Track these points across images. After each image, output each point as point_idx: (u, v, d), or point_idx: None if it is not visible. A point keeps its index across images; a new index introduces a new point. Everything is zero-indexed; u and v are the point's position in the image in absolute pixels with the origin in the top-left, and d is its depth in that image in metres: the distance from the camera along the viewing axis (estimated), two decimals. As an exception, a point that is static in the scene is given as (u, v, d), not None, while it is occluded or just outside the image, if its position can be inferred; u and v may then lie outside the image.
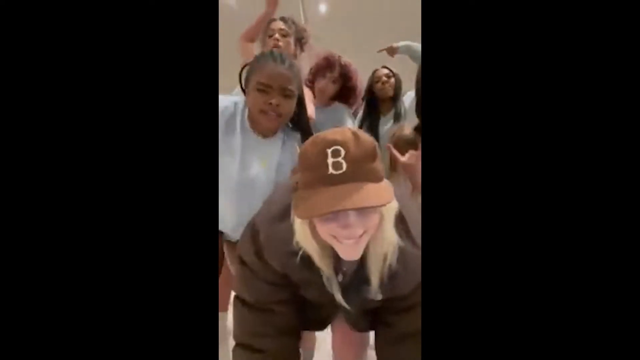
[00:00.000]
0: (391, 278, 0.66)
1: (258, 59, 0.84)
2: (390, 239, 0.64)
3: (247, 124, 0.83)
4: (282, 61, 0.78)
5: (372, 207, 0.58)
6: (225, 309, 1.23)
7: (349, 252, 0.61)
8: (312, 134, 0.75)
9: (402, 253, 0.66)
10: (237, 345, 0.75)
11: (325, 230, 0.60)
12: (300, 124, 0.83)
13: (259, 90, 0.77)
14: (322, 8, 3.71)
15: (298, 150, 0.74)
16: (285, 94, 0.77)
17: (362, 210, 0.58)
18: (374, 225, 0.61)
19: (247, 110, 0.83)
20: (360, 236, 0.60)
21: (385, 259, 0.64)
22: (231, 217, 0.82)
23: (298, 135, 0.83)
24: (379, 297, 0.67)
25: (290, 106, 0.80)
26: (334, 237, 0.60)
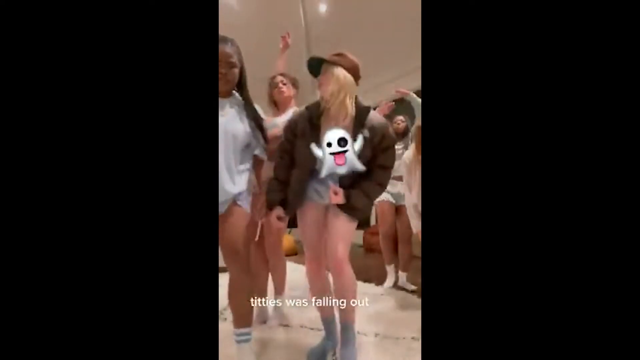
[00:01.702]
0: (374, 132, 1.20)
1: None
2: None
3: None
4: (226, 42, 1.09)
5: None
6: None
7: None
8: (250, 98, 1.20)
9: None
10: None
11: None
12: (242, 90, 1.19)
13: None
14: (322, 8, 3.71)
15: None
16: (229, 64, 1.09)
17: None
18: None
19: None
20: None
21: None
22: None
23: (239, 97, 1.20)
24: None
25: (234, 73, 1.12)
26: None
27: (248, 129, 1.15)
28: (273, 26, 3.87)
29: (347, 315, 1.15)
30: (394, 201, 2.19)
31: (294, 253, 3.72)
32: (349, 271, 1.14)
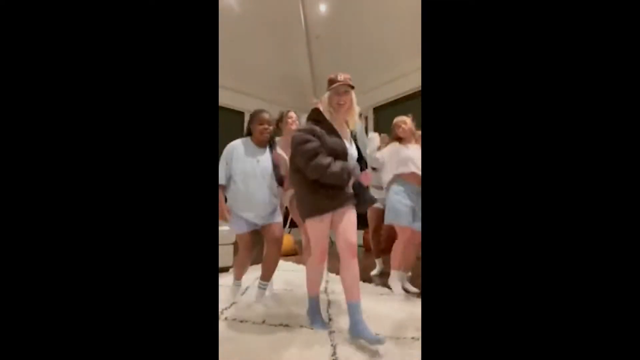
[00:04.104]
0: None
1: (255, 113, 1.89)
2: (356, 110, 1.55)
3: (251, 142, 1.87)
4: (266, 112, 1.87)
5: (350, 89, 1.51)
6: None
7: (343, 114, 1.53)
8: (275, 145, 1.93)
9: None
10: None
11: (332, 99, 1.50)
12: (272, 141, 1.91)
13: (260, 124, 1.84)
14: (322, 8, 3.72)
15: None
16: (270, 125, 1.85)
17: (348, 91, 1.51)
18: (352, 100, 1.52)
19: (250, 138, 1.89)
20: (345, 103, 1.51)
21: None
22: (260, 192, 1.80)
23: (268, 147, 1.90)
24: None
25: (270, 131, 1.86)
26: (337, 103, 1.50)
27: (272, 169, 1.83)
28: (273, 26, 3.87)
29: (355, 295, 1.39)
30: (381, 207, 2.47)
31: (294, 253, 3.72)
32: (356, 256, 1.43)
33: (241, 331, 1.43)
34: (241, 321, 1.55)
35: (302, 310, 1.70)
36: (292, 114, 2.22)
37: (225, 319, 1.58)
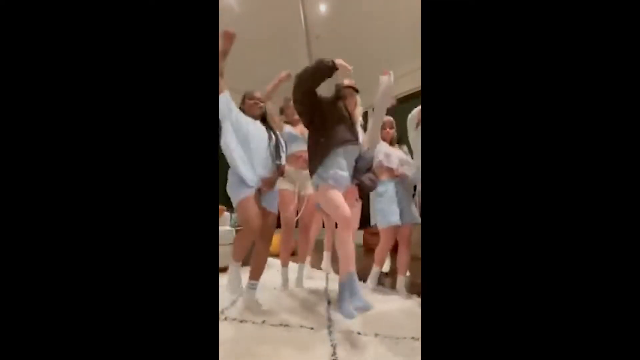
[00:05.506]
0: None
1: (246, 93, 1.86)
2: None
3: (242, 115, 1.75)
4: (257, 91, 1.85)
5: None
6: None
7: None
8: (272, 124, 1.88)
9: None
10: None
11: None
12: (266, 118, 1.87)
13: (250, 99, 1.82)
14: (322, 8, 3.71)
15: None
16: (260, 100, 1.82)
17: (353, 94, 1.74)
18: (356, 102, 1.76)
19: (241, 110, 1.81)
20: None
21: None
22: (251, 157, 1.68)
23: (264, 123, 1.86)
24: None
25: (262, 107, 1.83)
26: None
27: (266, 143, 1.73)
28: (273, 26, 3.87)
29: (349, 267, 1.44)
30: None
31: (294, 253, 3.71)
32: (350, 229, 1.49)
33: (241, 331, 1.43)
34: (241, 321, 1.55)
35: (302, 310, 1.71)
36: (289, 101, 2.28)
37: (225, 319, 1.58)
